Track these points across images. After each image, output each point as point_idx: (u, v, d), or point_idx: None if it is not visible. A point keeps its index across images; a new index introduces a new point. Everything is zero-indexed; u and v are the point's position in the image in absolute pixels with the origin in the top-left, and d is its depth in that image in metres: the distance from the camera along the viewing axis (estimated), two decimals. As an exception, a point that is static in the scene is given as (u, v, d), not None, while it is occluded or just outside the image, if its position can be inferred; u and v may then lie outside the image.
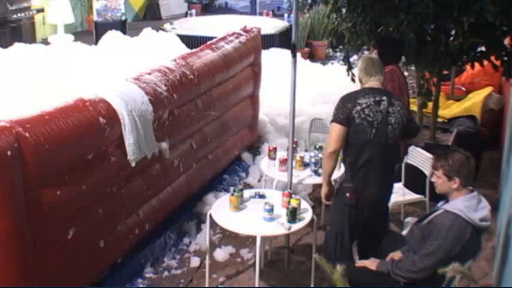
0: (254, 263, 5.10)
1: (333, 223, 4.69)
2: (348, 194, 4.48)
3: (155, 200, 5.44)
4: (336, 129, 4.42)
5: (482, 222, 3.89)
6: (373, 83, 4.52)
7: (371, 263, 4.22)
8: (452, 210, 3.88)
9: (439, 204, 4.17)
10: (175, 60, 5.88)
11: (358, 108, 4.36)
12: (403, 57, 6.38)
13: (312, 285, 4.98)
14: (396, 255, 4.21)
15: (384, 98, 4.42)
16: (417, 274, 3.93)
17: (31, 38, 11.93)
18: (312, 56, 12.59)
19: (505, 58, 6.12)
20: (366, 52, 9.00)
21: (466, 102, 8.29)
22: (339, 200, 4.59)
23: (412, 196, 5.73)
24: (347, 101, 4.42)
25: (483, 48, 6.21)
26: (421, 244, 3.99)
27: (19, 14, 11.68)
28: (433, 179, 4.11)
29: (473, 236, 3.87)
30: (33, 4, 12.20)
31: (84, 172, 4.41)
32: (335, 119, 4.44)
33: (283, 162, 5.48)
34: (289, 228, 4.58)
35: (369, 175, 4.43)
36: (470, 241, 3.86)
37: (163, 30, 11.84)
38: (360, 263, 4.28)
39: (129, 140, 4.78)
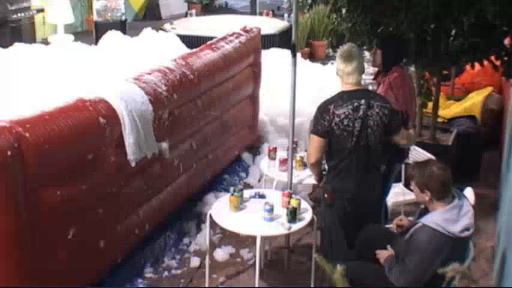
0: (254, 263, 5.10)
1: (325, 221, 4.74)
2: (326, 195, 4.59)
3: (155, 200, 5.44)
4: (316, 141, 4.47)
5: (464, 232, 3.82)
6: (351, 84, 4.48)
7: (383, 253, 4.19)
8: (430, 224, 3.82)
9: (418, 210, 4.19)
10: (175, 60, 5.88)
11: (337, 120, 4.36)
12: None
13: (312, 286, 4.97)
14: (387, 252, 4.20)
15: (362, 101, 4.38)
16: (403, 286, 3.89)
17: (31, 38, 11.92)
18: (312, 56, 12.59)
19: (505, 58, 6.12)
20: (367, 52, 8.98)
21: (466, 102, 8.29)
22: (322, 200, 4.69)
23: (412, 196, 5.68)
24: (325, 112, 4.39)
25: (483, 48, 6.20)
26: (405, 256, 3.98)
27: (19, 14, 11.67)
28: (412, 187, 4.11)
29: (455, 248, 3.82)
30: (33, 4, 12.18)
31: (84, 172, 4.41)
32: (314, 131, 4.46)
33: (283, 162, 5.47)
34: (289, 228, 4.58)
35: (348, 178, 4.47)
36: (453, 254, 3.80)
37: (163, 30, 11.83)
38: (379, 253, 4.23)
39: (129, 140, 4.78)
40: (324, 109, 4.42)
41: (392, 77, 5.13)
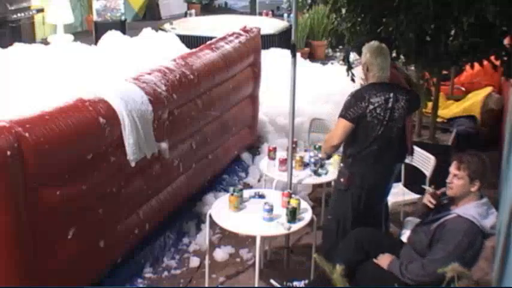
0: (254, 263, 5.10)
1: (335, 211, 4.79)
2: (342, 179, 4.68)
3: (155, 200, 5.44)
4: (344, 126, 4.56)
5: (492, 230, 3.87)
6: (381, 79, 4.61)
7: (385, 259, 4.16)
8: (466, 216, 3.83)
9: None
10: (175, 60, 5.87)
11: (371, 107, 4.49)
12: (402, 57, 6.37)
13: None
14: (387, 257, 4.18)
15: (391, 94, 4.55)
16: (427, 278, 3.85)
17: (31, 38, 11.93)
18: (311, 56, 12.59)
19: (505, 58, 6.11)
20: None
21: (466, 102, 8.29)
22: (337, 186, 4.79)
23: (412, 196, 5.73)
24: (360, 99, 4.52)
25: (483, 48, 6.19)
26: (428, 247, 3.95)
27: (19, 14, 11.67)
28: (450, 180, 4.02)
29: (482, 243, 3.86)
30: (32, 4, 12.19)
31: (84, 172, 4.41)
32: (345, 116, 4.55)
33: (283, 162, 5.48)
34: (289, 228, 4.58)
35: (368, 165, 4.60)
36: (479, 248, 3.84)
37: (163, 30, 11.83)
38: (379, 257, 4.21)
39: (128, 140, 4.78)
40: (360, 96, 4.55)
41: None
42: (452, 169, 4.02)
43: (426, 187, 4.79)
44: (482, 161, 3.94)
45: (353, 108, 4.52)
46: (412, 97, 4.74)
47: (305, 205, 4.90)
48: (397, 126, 4.60)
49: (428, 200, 4.19)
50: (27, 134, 3.89)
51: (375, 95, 4.52)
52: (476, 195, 3.94)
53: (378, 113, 4.51)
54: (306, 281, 4.55)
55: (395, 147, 4.67)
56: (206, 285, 5.09)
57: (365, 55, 4.68)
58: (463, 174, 3.94)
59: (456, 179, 3.98)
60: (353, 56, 6.87)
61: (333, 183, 5.08)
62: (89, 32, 13.53)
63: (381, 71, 4.61)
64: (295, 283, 4.58)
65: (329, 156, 5.07)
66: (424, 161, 5.71)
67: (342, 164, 4.81)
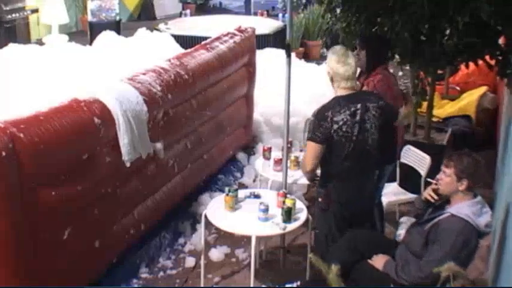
0: (249, 263, 5.10)
1: (320, 226, 4.70)
2: (319, 199, 4.54)
3: (150, 200, 5.43)
4: (314, 148, 4.34)
5: (487, 228, 3.87)
6: (348, 89, 4.38)
7: (380, 260, 4.16)
8: (460, 215, 3.83)
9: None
10: (169, 60, 5.87)
11: (336, 126, 4.25)
12: (397, 57, 6.38)
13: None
14: (382, 258, 4.18)
15: (358, 106, 4.30)
16: (425, 280, 3.86)
17: (25, 39, 11.87)
18: (306, 56, 12.60)
19: (500, 57, 6.12)
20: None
21: (461, 101, 8.31)
22: (318, 205, 4.64)
23: (407, 196, 5.74)
24: (323, 120, 4.28)
25: (478, 48, 6.20)
26: (423, 248, 3.96)
27: (13, 15, 11.62)
28: (440, 176, 4.04)
29: (477, 242, 3.87)
30: (27, 4, 12.15)
31: (79, 172, 4.40)
32: (313, 138, 4.33)
33: (278, 162, 5.48)
34: (284, 228, 4.58)
35: (343, 182, 4.42)
36: (475, 246, 3.85)
37: (157, 30, 11.81)
38: (373, 258, 4.21)
39: (123, 141, 4.77)
40: (322, 117, 4.30)
41: (376, 78, 5.04)
42: (442, 166, 4.05)
43: (430, 180, 4.74)
44: (474, 161, 3.93)
45: (318, 129, 4.28)
46: (384, 103, 4.46)
47: (300, 205, 4.90)
48: (372, 137, 4.35)
49: (429, 194, 4.17)
50: (21, 135, 3.87)
51: (339, 112, 4.25)
52: (469, 194, 3.94)
53: (345, 130, 4.25)
54: (299, 282, 4.55)
55: (375, 156, 4.42)
56: (202, 285, 5.09)
57: (328, 62, 4.43)
58: (450, 172, 3.95)
59: (444, 176, 4.00)
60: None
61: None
62: (84, 32, 13.48)
63: (345, 81, 4.36)
64: (288, 285, 4.58)
65: (312, 179, 4.70)
66: (419, 160, 5.71)
67: (316, 183, 4.65)
